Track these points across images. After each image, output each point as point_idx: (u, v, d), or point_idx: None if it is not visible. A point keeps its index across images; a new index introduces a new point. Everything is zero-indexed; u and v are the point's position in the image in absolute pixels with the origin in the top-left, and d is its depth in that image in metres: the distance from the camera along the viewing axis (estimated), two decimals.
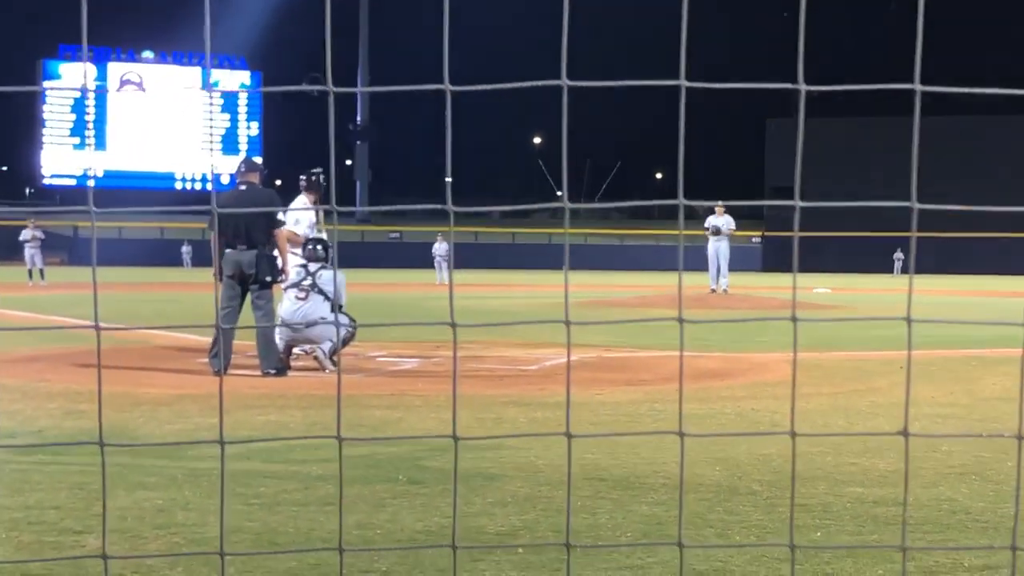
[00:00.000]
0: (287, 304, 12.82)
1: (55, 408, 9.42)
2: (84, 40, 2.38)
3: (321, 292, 12.80)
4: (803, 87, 2.83)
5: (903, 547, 2.55)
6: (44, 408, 9.42)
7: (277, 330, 12.62)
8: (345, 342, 12.89)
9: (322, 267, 12.96)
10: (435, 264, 48.37)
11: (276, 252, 12.30)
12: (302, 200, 13.83)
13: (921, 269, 63.83)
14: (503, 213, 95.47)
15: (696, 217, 32.25)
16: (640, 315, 23.32)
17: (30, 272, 38.37)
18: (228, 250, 12.26)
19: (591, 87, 2.59)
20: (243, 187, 12.75)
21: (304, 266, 12.94)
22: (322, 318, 12.69)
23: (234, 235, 12.22)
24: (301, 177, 13.90)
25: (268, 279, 12.23)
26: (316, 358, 12.61)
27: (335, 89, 2.52)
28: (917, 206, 2.70)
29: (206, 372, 12.19)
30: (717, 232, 29.79)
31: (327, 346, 12.58)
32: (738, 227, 31.52)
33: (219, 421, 2.14)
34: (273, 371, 11.95)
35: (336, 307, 12.76)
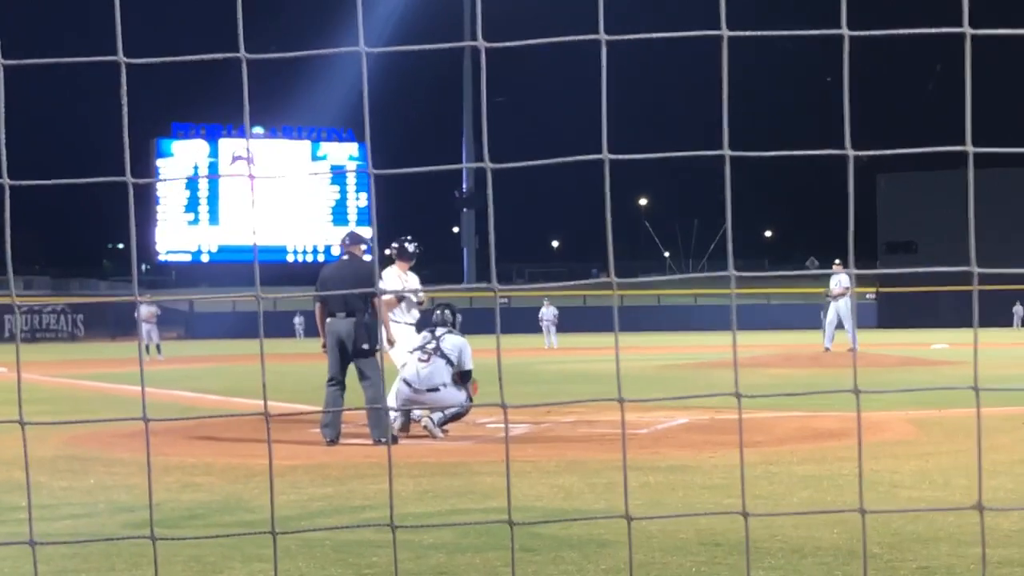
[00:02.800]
0: (410, 367, 12.85)
1: (172, 482, 9.52)
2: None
3: (444, 356, 12.79)
4: (851, 152, 2.78)
5: None
6: (161, 482, 9.54)
7: (397, 391, 12.69)
8: (457, 416, 12.81)
9: (448, 332, 12.99)
10: (543, 328, 48.31)
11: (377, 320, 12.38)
12: (393, 271, 13.91)
13: None
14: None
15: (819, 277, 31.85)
16: (755, 374, 22.98)
17: (147, 347, 39.11)
18: (329, 319, 12.43)
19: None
20: (346, 258, 12.92)
21: (432, 330, 13.00)
22: (443, 384, 12.67)
23: (334, 305, 12.38)
24: (392, 245, 13.99)
25: (365, 347, 12.24)
26: (425, 427, 12.59)
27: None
28: (976, 270, 2.62)
29: (318, 441, 12.26)
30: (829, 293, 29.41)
31: (437, 416, 12.56)
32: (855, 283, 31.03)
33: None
34: (384, 440, 11.99)
35: (457, 376, 12.77)
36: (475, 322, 13.58)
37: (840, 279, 29.51)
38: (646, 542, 6.61)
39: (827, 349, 28.99)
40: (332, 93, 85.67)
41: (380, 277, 12.81)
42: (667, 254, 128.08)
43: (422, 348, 12.88)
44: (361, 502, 8.45)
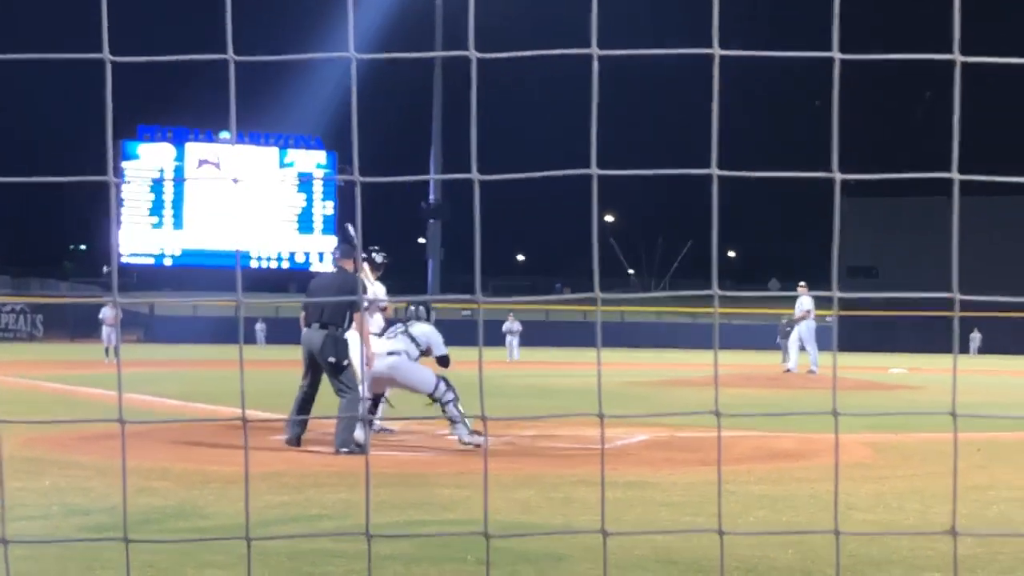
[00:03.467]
0: (381, 347, 12.81)
1: (128, 485, 9.44)
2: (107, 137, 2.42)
3: (410, 336, 12.83)
4: (837, 175, 2.81)
5: None
6: (117, 485, 9.48)
7: (362, 378, 12.66)
8: (455, 414, 12.61)
9: (418, 320, 13.12)
10: (506, 342, 48.32)
11: (348, 335, 12.39)
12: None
13: (999, 349, 62.88)
14: (574, 291, 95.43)
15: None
16: (710, 394, 23.03)
17: (106, 350, 38.74)
18: (304, 329, 12.52)
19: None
20: (336, 270, 13.13)
21: (404, 320, 13.12)
22: (405, 352, 12.63)
23: (312, 315, 12.47)
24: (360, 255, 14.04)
25: (331, 359, 12.22)
26: (460, 439, 12.45)
27: (362, 179, 2.54)
28: (958, 296, 2.66)
29: (277, 449, 12.22)
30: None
31: (462, 430, 12.44)
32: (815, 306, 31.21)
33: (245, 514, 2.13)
34: (345, 450, 11.96)
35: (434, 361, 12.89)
36: (444, 335, 13.57)
37: (802, 302, 29.68)
38: (601, 557, 6.62)
39: (788, 370, 29.16)
40: (302, 101, 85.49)
41: (363, 290, 12.89)
42: (631, 271, 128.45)
43: (393, 328, 13.07)
44: (318, 511, 8.42)
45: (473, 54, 2.78)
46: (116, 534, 7.06)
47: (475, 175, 2.59)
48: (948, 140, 2.89)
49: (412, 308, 13.34)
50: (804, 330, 29.40)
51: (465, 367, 12.02)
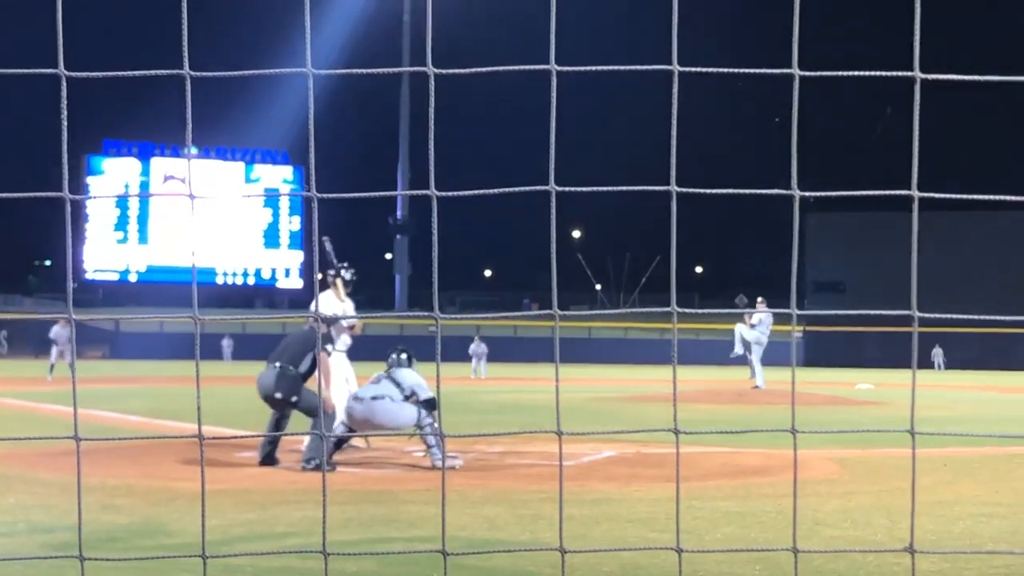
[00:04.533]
0: (365, 392, 12.79)
1: (92, 502, 9.38)
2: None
3: (393, 381, 12.76)
4: (797, 192, 2.81)
5: None
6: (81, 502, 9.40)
7: (346, 409, 12.65)
8: (424, 426, 12.51)
9: (399, 367, 12.99)
10: (472, 363, 48.14)
11: (302, 371, 12.44)
12: (329, 295, 13.97)
13: (964, 364, 63.27)
14: (542, 306, 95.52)
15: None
16: (680, 409, 23.09)
17: (51, 367, 37.92)
18: (264, 368, 12.58)
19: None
20: (307, 328, 13.03)
21: (387, 370, 12.98)
22: (390, 397, 12.60)
23: (272, 358, 12.57)
24: (329, 272, 14.01)
25: (278, 395, 12.30)
26: (433, 464, 12.36)
27: (318, 195, 2.53)
28: (916, 314, 2.67)
29: (245, 465, 12.16)
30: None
31: (437, 453, 12.34)
32: (776, 321, 31.33)
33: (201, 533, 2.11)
34: (311, 467, 11.92)
35: (418, 404, 12.74)
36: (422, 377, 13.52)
37: (761, 316, 29.65)
38: (571, 572, 6.61)
39: (757, 387, 29.10)
40: (268, 115, 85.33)
41: (330, 341, 12.95)
42: (599, 287, 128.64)
43: (377, 376, 12.93)
44: (284, 528, 8.38)
45: (431, 70, 2.77)
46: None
47: (432, 191, 2.59)
48: (913, 155, 2.91)
49: (394, 356, 13.19)
50: (754, 345, 29.46)
51: (431, 383, 11.98)
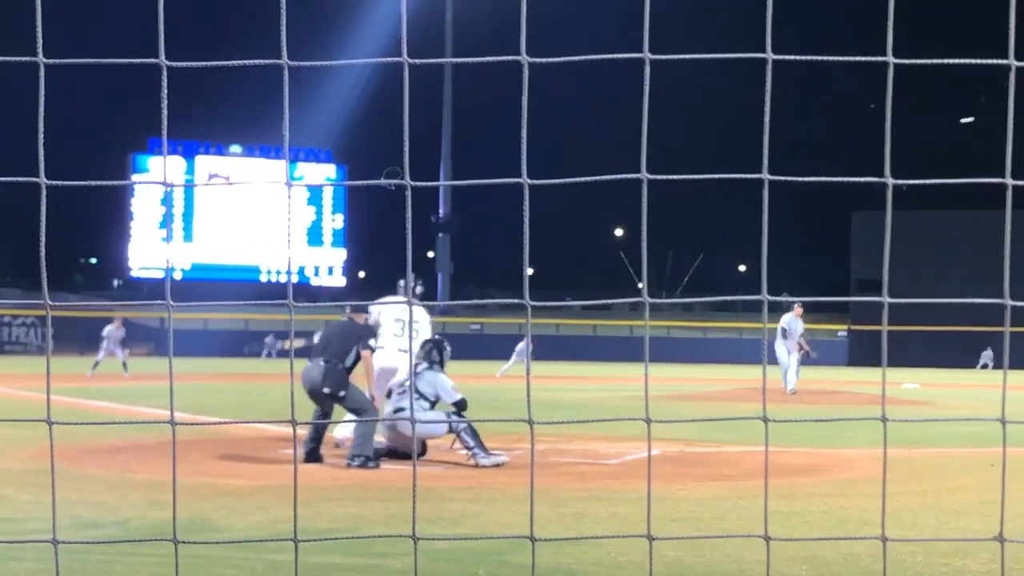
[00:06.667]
0: (390, 406, 12.90)
1: (139, 499, 9.46)
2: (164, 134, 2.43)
3: (419, 393, 12.72)
4: (890, 180, 2.79)
5: None
6: (128, 499, 9.47)
7: (380, 429, 12.78)
8: (475, 436, 12.41)
9: (428, 369, 12.95)
10: (514, 357, 47.86)
11: (347, 365, 12.59)
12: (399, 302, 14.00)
13: (1017, 365, 62.73)
14: (584, 306, 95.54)
15: (780, 310, 31.40)
16: (722, 409, 23.06)
17: (95, 363, 38.19)
18: (308, 363, 12.71)
19: (677, 179, 2.58)
20: (346, 319, 13.19)
21: (415, 368, 12.98)
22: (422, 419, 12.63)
23: (316, 351, 12.71)
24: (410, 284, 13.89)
25: (326, 390, 12.39)
26: (478, 464, 12.29)
27: (412, 183, 2.53)
28: (1009, 303, 2.64)
29: (288, 462, 12.22)
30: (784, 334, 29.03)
31: (480, 454, 12.30)
32: (824, 320, 30.98)
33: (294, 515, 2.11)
34: (356, 464, 11.96)
35: (437, 404, 12.78)
36: (453, 348, 13.52)
37: (794, 324, 29.02)
38: (615, 572, 6.60)
39: (792, 392, 28.48)
40: (312, 114, 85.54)
41: (373, 336, 13.01)
42: (641, 285, 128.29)
43: (400, 384, 12.97)
44: (328, 524, 8.41)
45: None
46: (127, 547, 7.05)
47: (524, 179, 2.58)
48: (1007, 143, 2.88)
49: (423, 352, 13.12)
50: (784, 350, 28.86)
51: (476, 380, 11.95)
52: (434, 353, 13.10)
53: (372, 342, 12.92)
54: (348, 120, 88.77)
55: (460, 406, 12.68)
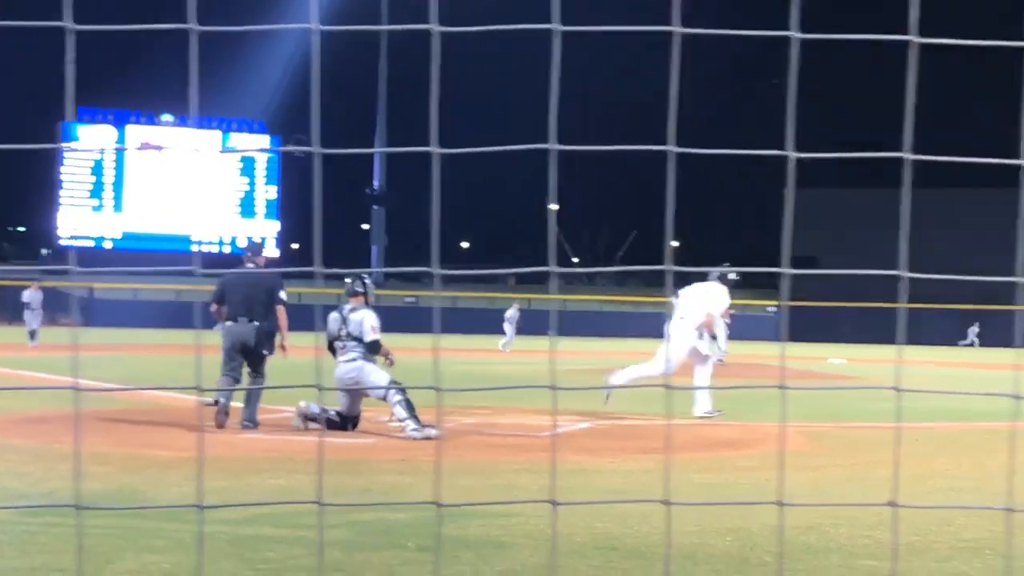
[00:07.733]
0: (339, 370, 12.89)
1: (66, 469, 9.37)
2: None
3: (354, 339, 12.84)
4: (792, 154, 2.82)
5: None
6: (55, 470, 9.39)
7: (337, 396, 12.99)
8: (410, 408, 12.39)
9: (353, 309, 13.01)
10: (507, 329, 46.87)
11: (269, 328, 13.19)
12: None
13: (1002, 343, 63.55)
14: (518, 279, 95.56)
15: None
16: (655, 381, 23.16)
17: (31, 333, 37.68)
18: (228, 323, 13.11)
19: (589, 151, 2.58)
20: (250, 266, 13.68)
21: (341, 309, 13.06)
22: (362, 371, 12.84)
23: (237, 310, 13.08)
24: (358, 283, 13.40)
25: (264, 352, 13.16)
26: (410, 436, 12.23)
27: (321, 150, 2.53)
28: (906, 274, 2.69)
29: (216, 433, 12.16)
30: None
31: (410, 425, 12.26)
32: (754, 296, 31.26)
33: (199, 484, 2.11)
34: (249, 424, 12.67)
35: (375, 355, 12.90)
36: (383, 321, 13.47)
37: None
38: (544, 543, 6.64)
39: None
40: (246, 84, 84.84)
41: (283, 286, 13.17)
42: (575, 260, 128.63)
43: (338, 336, 12.97)
44: (257, 496, 8.38)
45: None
46: (54, 518, 6.99)
47: (435, 148, 2.58)
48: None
49: (348, 282, 13.26)
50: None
51: (416, 353, 11.94)
52: (356, 285, 13.13)
53: (282, 294, 13.26)
54: (283, 91, 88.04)
55: (371, 348, 12.85)
